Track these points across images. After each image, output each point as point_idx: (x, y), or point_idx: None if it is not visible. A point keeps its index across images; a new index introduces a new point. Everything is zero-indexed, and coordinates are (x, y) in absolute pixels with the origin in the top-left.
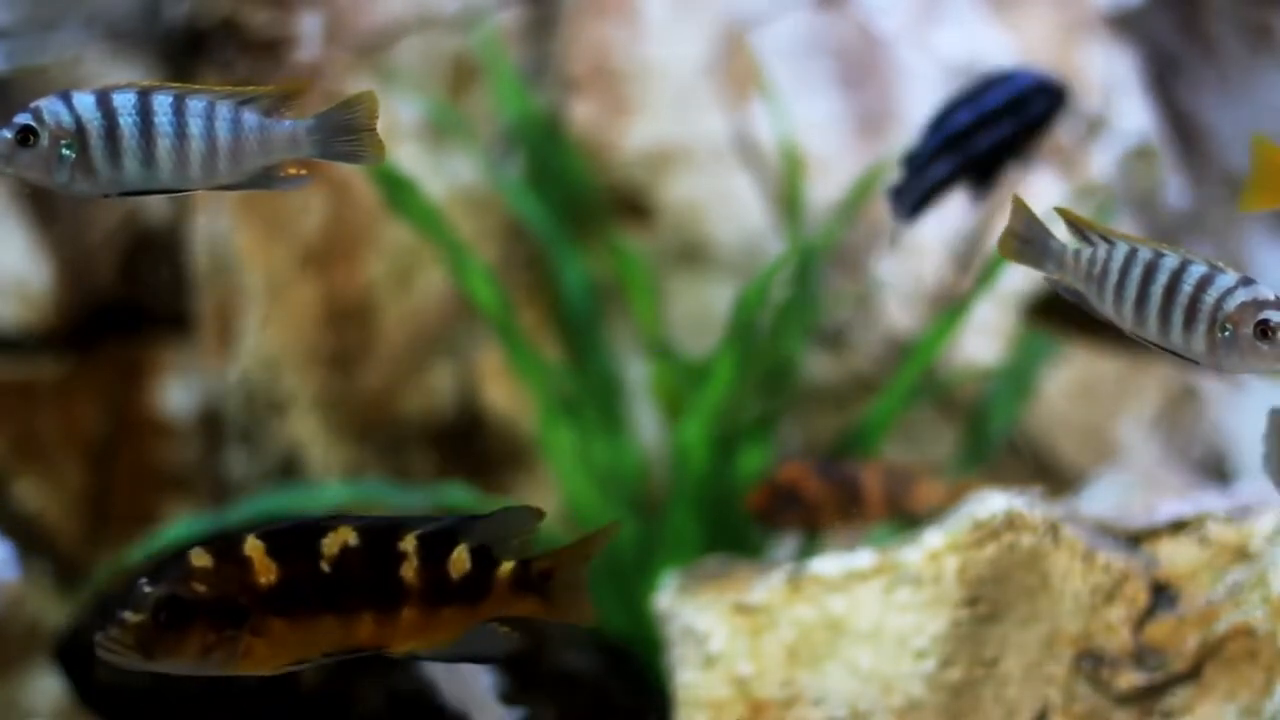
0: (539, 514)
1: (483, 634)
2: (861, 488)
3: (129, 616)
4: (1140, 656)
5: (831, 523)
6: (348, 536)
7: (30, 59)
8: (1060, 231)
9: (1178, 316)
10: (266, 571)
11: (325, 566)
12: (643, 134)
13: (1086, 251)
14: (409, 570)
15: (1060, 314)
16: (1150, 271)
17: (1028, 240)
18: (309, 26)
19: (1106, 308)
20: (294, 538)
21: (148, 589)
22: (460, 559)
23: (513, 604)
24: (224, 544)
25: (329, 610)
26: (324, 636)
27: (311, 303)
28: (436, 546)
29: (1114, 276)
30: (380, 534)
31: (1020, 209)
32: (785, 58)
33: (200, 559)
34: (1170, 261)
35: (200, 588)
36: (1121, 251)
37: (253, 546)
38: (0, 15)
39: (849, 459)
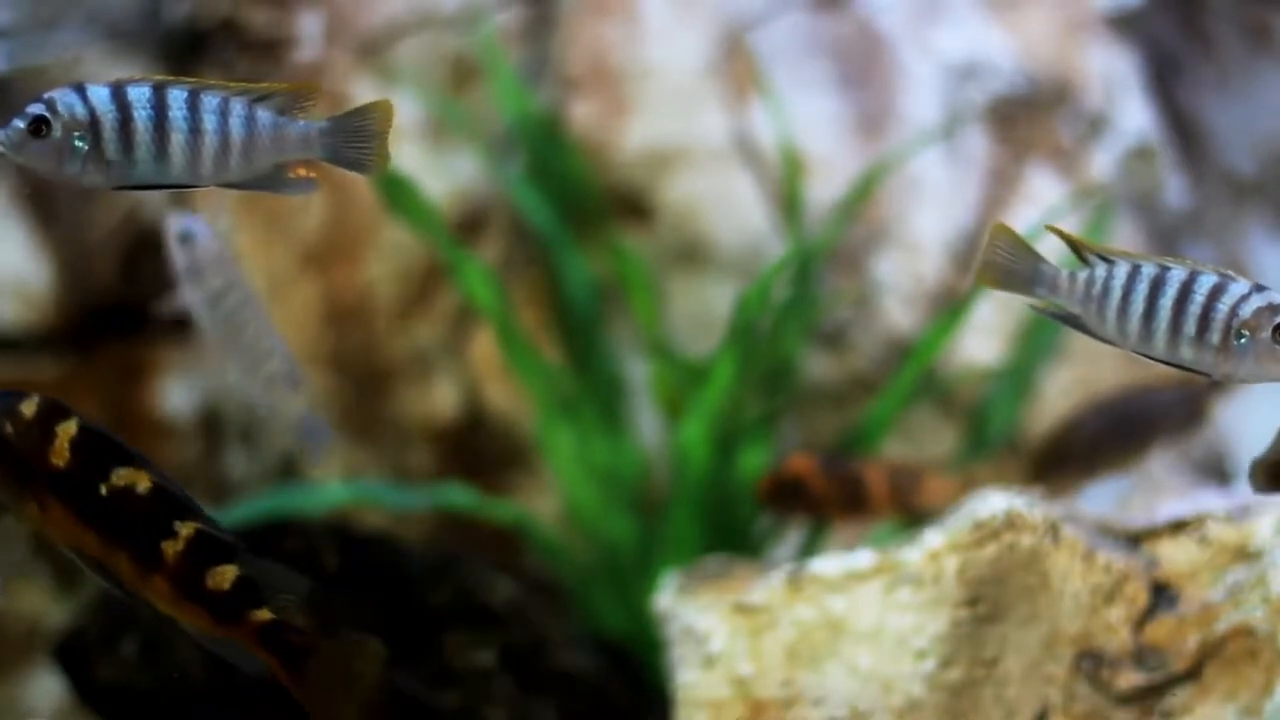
0: (307, 589)
1: (233, 644)
2: (866, 484)
3: None
4: (1140, 656)
5: (835, 517)
6: (138, 481)
7: (30, 59)
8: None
9: (1189, 328)
10: (59, 455)
11: (103, 489)
12: (643, 134)
13: (1083, 273)
14: (170, 550)
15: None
16: (1158, 285)
17: (1012, 268)
18: (309, 26)
19: (1108, 328)
20: (102, 450)
21: None
22: (222, 576)
23: (257, 651)
24: (57, 411)
25: (92, 528)
26: (90, 548)
27: (311, 303)
28: (208, 549)
29: (1116, 295)
30: (166, 503)
31: (1002, 234)
32: (785, 58)
33: (28, 407)
34: (1178, 274)
35: (7, 427)
36: (1123, 269)
37: (65, 430)
38: (0, 15)
39: (855, 455)
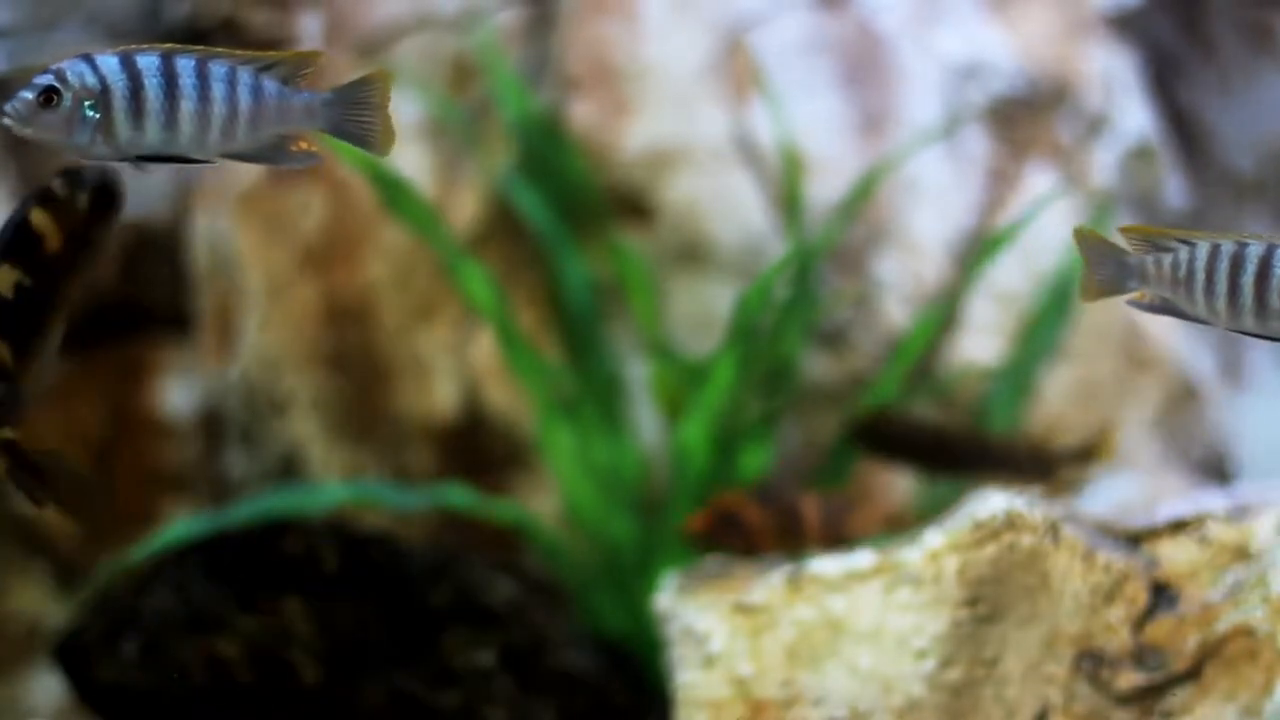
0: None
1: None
2: (800, 515)
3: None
4: (1140, 656)
5: (770, 548)
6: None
7: (30, 59)
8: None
9: (1275, 300)
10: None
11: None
12: (643, 134)
13: (1167, 258)
14: None
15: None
16: (1238, 262)
17: (1106, 271)
18: (309, 26)
19: (1198, 308)
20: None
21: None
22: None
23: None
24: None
25: None
26: None
27: (311, 303)
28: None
29: (1200, 276)
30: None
31: (1089, 239)
32: (785, 58)
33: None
34: (1256, 249)
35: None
36: (1204, 250)
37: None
38: (0, 15)
39: (788, 488)
